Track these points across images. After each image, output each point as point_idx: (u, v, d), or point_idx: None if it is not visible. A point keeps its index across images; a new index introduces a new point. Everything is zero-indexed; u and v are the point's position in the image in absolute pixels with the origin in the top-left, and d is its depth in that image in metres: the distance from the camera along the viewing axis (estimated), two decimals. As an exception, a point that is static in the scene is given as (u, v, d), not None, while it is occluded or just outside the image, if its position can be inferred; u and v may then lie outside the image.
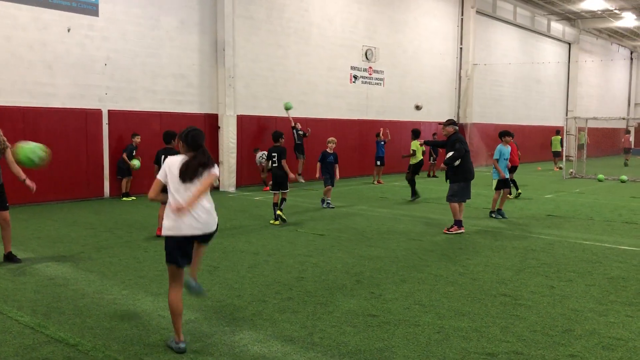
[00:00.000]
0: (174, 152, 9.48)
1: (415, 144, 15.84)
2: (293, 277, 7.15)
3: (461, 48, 27.23)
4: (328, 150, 13.18)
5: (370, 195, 16.28)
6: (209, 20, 16.81)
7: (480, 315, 5.76)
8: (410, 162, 15.63)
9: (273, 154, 11.22)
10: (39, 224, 10.92)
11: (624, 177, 21.08)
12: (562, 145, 25.95)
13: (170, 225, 4.78)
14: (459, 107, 27.59)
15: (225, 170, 16.90)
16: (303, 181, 18.29)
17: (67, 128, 13.97)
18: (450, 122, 10.76)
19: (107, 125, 14.77)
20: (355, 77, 21.82)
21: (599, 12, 33.23)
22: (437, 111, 25.73)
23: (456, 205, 10.27)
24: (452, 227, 10.28)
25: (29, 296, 6.32)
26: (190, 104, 16.61)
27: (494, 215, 12.15)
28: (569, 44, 36.97)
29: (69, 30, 13.90)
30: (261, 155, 16.56)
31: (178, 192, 4.77)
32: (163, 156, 9.54)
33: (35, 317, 5.63)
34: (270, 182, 11.89)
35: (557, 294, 6.56)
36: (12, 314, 5.69)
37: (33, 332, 5.24)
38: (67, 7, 13.83)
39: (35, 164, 7.34)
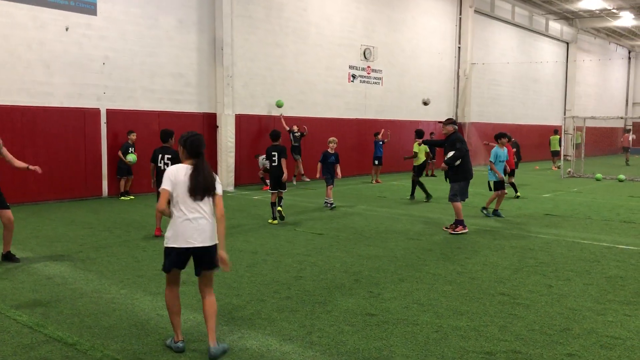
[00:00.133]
0: (171, 151, 9.50)
1: (415, 146, 15.82)
2: (291, 277, 7.16)
3: (459, 47, 27.25)
4: (329, 150, 13.12)
5: (368, 194, 16.28)
6: (207, 19, 16.80)
7: (479, 315, 5.77)
8: (414, 164, 15.58)
9: (273, 153, 11.17)
10: (37, 223, 10.91)
11: (622, 177, 21.12)
12: (560, 145, 25.99)
13: (170, 236, 4.77)
14: (457, 107, 27.62)
15: (224, 170, 16.89)
16: (308, 179, 18.28)
17: (65, 127, 13.95)
18: (450, 121, 10.75)
19: (105, 125, 14.75)
20: (354, 76, 21.83)
21: (597, 11, 33.26)
22: (435, 110, 25.73)
23: (459, 204, 10.26)
24: (457, 227, 10.22)
25: (27, 295, 6.32)
26: (188, 103, 16.60)
27: (485, 212, 12.28)
28: (567, 44, 37.02)
29: (67, 29, 13.88)
30: (263, 157, 16.52)
31: (185, 204, 4.71)
32: (160, 155, 9.54)
33: (33, 316, 5.63)
34: (268, 181, 11.87)
35: (555, 293, 6.57)
36: (10, 313, 5.69)
37: (31, 331, 5.23)
38: (65, 6, 13.80)
39: None
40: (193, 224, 4.69)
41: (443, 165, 10.47)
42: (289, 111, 19.13)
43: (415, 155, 15.71)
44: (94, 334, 5.18)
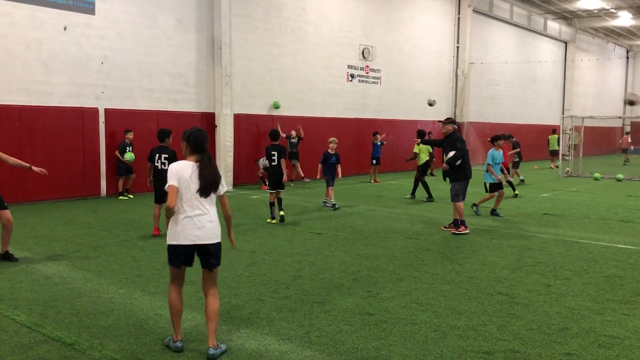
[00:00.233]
0: (168, 151, 9.49)
1: (415, 146, 15.81)
2: (290, 276, 7.16)
3: (458, 47, 27.25)
4: (329, 150, 13.07)
5: (367, 194, 16.28)
6: (205, 18, 16.78)
7: (477, 314, 5.78)
8: (418, 164, 15.57)
9: (273, 153, 11.14)
10: (36, 223, 10.90)
11: (620, 176, 21.15)
12: (559, 144, 26.02)
13: (171, 233, 4.76)
14: (455, 106, 27.62)
15: (222, 169, 16.86)
16: (308, 180, 18.27)
17: (63, 127, 13.93)
18: (449, 121, 10.75)
19: (103, 124, 14.74)
20: (352, 75, 21.82)
21: (596, 11, 33.29)
22: (433, 110, 25.66)
23: (461, 204, 10.25)
24: (459, 227, 10.20)
25: (25, 295, 6.31)
26: (187, 103, 16.59)
27: (475, 210, 12.47)
28: (566, 43, 37.04)
29: (65, 29, 13.86)
30: (264, 159, 16.48)
31: (188, 201, 4.69)
32: (157, 154, 9.52)
33: (31, 316, 5.62)
34: (267, 180, 11.86)
35: (554, 292, 6.57)
36: (8, 313, 5.68)
37: (30, 331, 5.23)
38: (63, 6, 13.79)
39: None
40: (194, 221, 4.68)
41: (444, 165, 10.46)
42: (287, 111, 19.12)
43: (416, 156, 15.71)
44: (93, 333, 5.17)
